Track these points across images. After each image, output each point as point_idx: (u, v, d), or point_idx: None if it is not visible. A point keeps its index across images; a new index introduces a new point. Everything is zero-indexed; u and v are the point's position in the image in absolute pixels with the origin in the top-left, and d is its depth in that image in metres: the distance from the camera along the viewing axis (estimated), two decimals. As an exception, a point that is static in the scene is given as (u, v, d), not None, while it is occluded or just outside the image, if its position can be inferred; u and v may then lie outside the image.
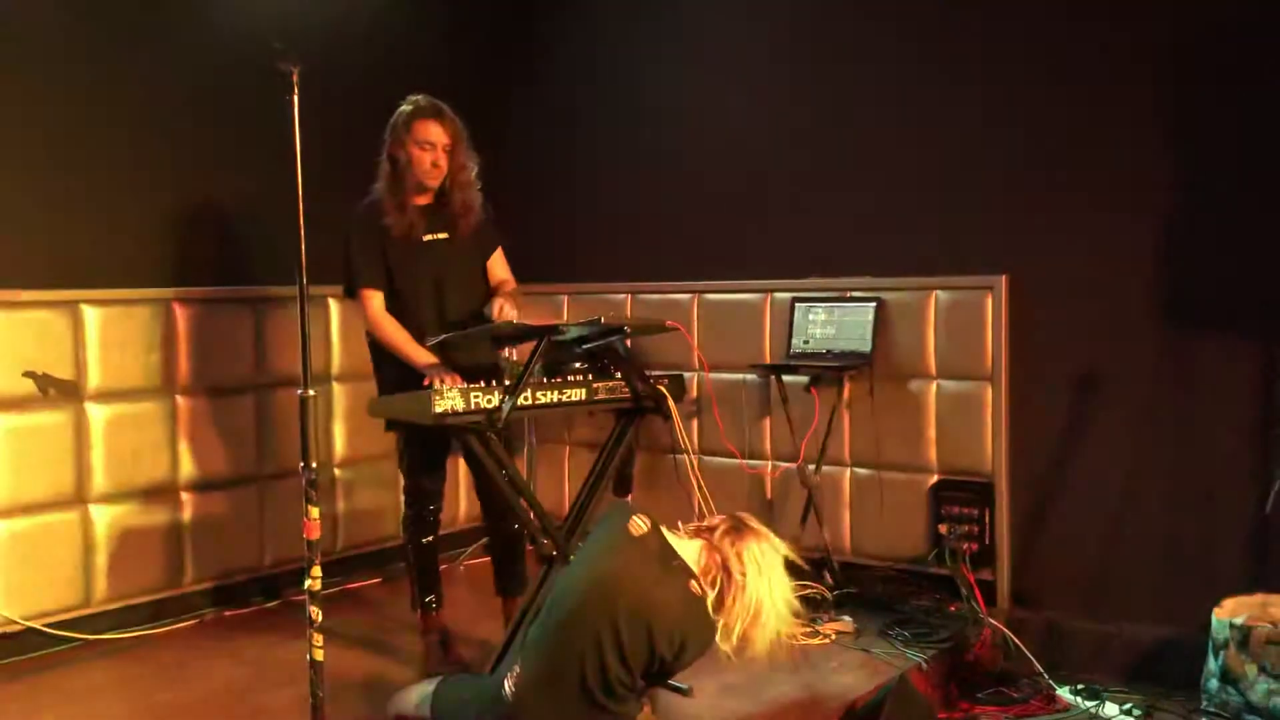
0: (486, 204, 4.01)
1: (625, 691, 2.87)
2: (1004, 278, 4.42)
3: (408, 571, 4.12)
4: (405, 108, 3.85)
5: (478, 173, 3.94)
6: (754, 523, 3.04)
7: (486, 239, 4.02)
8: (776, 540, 3.02)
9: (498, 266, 4.05)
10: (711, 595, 2.89)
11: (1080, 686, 4.00)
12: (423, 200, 3.91)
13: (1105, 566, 4.27)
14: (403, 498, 4.17)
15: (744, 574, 2.90)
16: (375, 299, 3.87)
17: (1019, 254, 4.42)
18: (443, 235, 3.92)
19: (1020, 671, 4.09)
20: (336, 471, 5.09)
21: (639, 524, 2.94)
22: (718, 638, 2.91)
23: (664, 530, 3.00)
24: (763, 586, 2.90)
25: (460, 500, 5.45)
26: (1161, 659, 4.06)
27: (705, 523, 3.05)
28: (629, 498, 3.49)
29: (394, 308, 3.88)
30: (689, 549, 2.98)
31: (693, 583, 2.89)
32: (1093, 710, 3.86)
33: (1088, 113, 4.29)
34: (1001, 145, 4.46)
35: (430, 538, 4.07)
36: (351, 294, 3.94)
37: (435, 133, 3.80)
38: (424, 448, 3.98)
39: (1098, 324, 4.29)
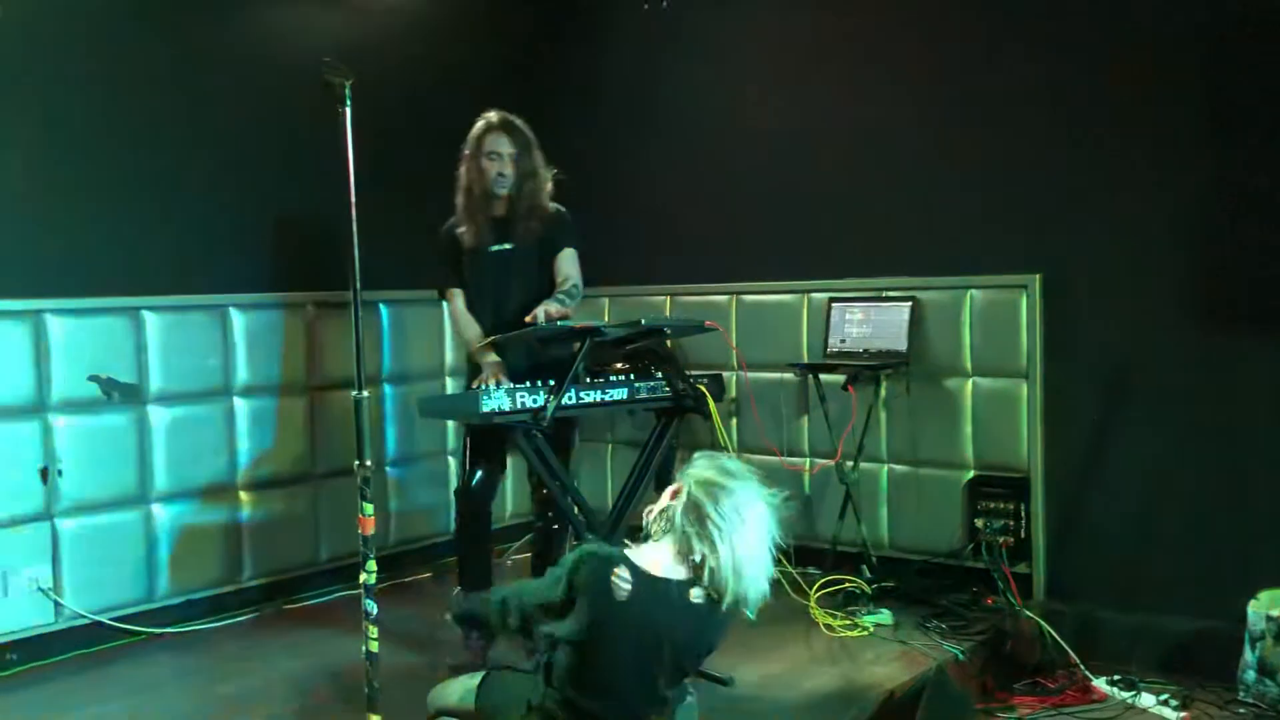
0: (561, 209, 4.15)
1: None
2: (1038, 276, 4.47)
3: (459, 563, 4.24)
4: (478, 123, 4.04)
5: (551, 181, 4.11)
6: (698, 477, 2.80)
7: (551, 243, 4.13)
8: (730, 479, 2.81)
9: (564, 265, 4.14)
10: (704, 582, 2.76)
11: (1116, 677, 4.02)
12: (496, 211, 4.08)
13: (1140, 559, 4.30)
14: (454, 492, 4.31)
15: (713, 546, 2.73)
16: (453, 299, 4.13)
17: (1053, 252, 4.46)
18: (507, 245, 4.09)
19: (1056, 663, 4.13)
20: (389, 470, 5.23)
21: (619, 583, 2.72)
22: (727, 606, 2.78)
23: (637, 558, 2.79)
24: (737, 541, 2.74)
25: (506, 496, 5.56)
26: (1197, 651, 4.09)
27: (660, 506, 2.86)
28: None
29: (470, 310, 4.12)
30: (664, 552, 2.81)
31: (692, 592, 2.78)
32: (1129, 701, 3.90)
33: (1122, 110, 4.31)
34: (1036, 145, 4.50)
35: (479, 529, 4.15)
36: (442, 296, 4.20)
37: (502, 144, 4.00)
38: (481, 444, 4.10)
39: (1132, 320, 4.32)
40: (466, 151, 4.06)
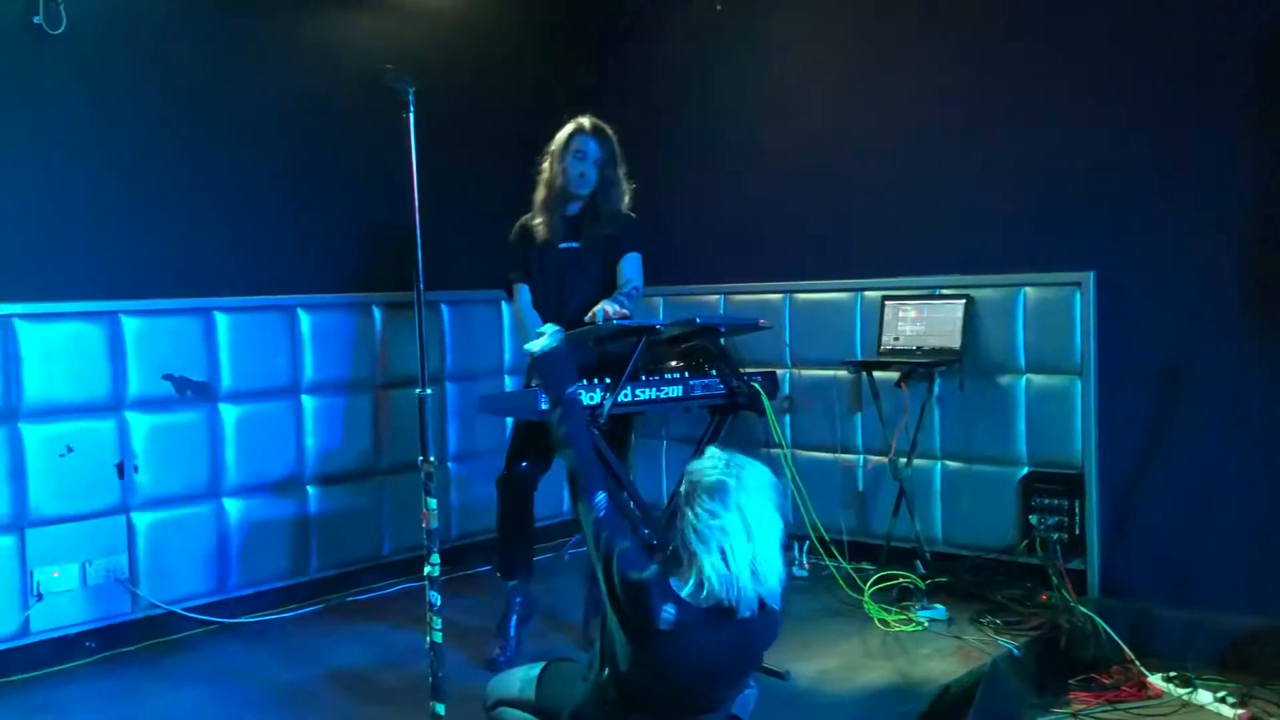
0: (632, 215, 4.25)
1: None
2: (1092, 274, 4.46)
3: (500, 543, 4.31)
4: (569, 125, 4.16)
5: (629, 194, 4.23)
6: (682, 489, 2.71)
7: (618, 245, 4.22)
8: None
9: (627, 268, 4.23)
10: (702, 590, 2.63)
11: (1173, 674, 4.00)
12: (571, 210, 4.20)
13: (1196, 556, 4.28)
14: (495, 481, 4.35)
15: (703, 549, 2.62)
16: (518, 294, 4.21)
17: (1107, 249, 4.45)
18: (575, 244, 4.20)
19: (1111, 659, 4.11)
20: (451, 465, 5.34)
21: (663, 614, 2.62)
22: (746, 609, 2.65)
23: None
24: (729, 543, 2.61)
25: (562, 493, 5.62)
26: (1253, 648, 4.05)
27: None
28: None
29: (534, 308, 4.21)
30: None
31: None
32: (1185, 697, 3.88)
33: (1176, 106, 4.31)
34: (1088, 141, 4.50)
35: (522, 517, 4.23)
36: (508, 290, 4.27)
37: (589, 146, 4.13)
38: (528, 436, 4.19)
39: (1186, 317, 4.31)
40: (553, 149, 4.18)
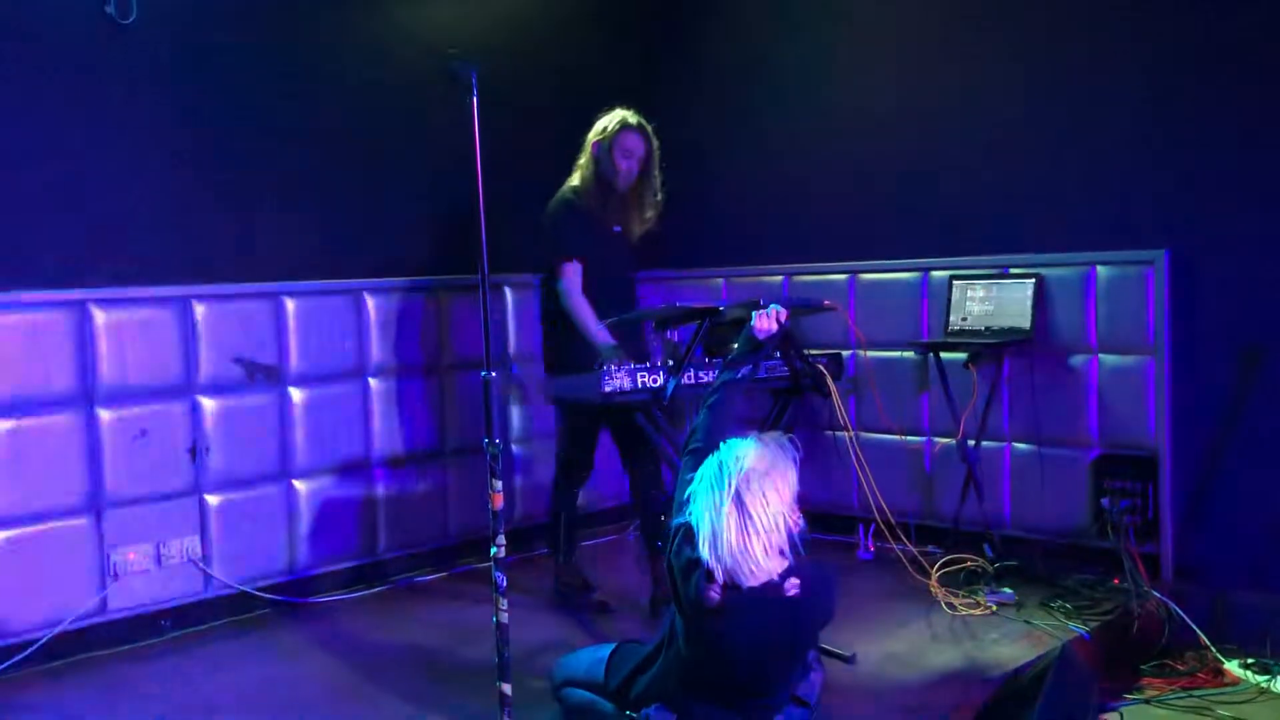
0: (659, 203, 4.46)
1: None
2: (1166, 252, 4.37)
3: (553, 530, 4.56)
4: (612, 119, 4.29)
5: (662, 188, 4.40)
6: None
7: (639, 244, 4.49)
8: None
9: None
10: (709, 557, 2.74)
11: (1250, 661, 3.94)
12: (611, 199, 4.35)
13: (1273, 539, 4.19)
14: (556, 468, 4.56)
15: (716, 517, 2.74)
16: (574, 273, 4.27)
17: (1181, 227, 4.36)
18: (619, 229, 4.41)
19: (1186, 645, 4.07)
20: (514, 448, 5.38)
21: (709, 591, 2.74)
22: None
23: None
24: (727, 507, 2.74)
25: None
26: (1333, 633, 3.97)
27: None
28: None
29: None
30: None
31: (787, 584, 2.76)
32: (1263, 684, 3.81)
33: (1250, 80, 4.20)
34: (1161, 118, 4.40)
35: (577, 502, 4.56)
36: (552, 267, 4.31)
37: (637, 145, 4.28)
38: (582, 427, 4.37)
39: (1265, 296, 4.21)
40: (600, 140, 4.29)
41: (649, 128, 4.33)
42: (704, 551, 2.73)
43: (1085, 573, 4.45)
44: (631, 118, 4.30)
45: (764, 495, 2.72)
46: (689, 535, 2.79)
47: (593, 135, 4.33)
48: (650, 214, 4.44)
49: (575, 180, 4.38)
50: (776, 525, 2.72)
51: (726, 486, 2.73)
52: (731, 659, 2.80)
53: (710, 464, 2.83)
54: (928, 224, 5.06)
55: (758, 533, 2.70)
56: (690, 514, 2.81)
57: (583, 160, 4.36)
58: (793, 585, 2.76)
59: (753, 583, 2.72)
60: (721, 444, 2.87)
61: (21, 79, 3.94)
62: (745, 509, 2.70)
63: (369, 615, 4.51)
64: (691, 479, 2.87)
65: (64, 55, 4.03)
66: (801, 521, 2.81)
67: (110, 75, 4.15)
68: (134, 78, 4.20)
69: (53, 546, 4.01)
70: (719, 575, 2.72)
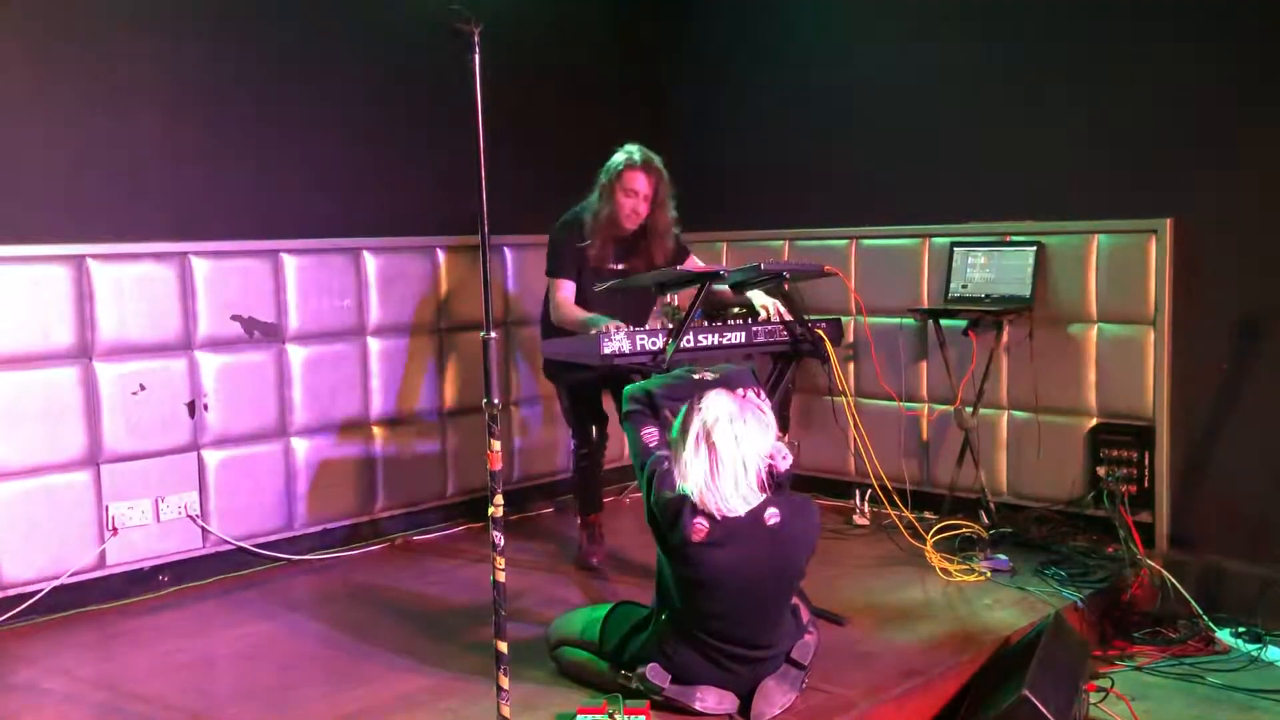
0: (679, 235, 4.37)
1: None
2: (1169, 220, 4.36)
3: (577, 493, 4.62)
4: (619, 156, 4.20)
5: (676, 223, 4.32)
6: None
7: (670, 265, 4.29)
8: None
9: (693, 264, 4.35)
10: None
11: (1241, 629, 3.96)
12: (620, 234, 4.26)
13: (1267, 510, 4.19)
14: (573, 440, 4.57)
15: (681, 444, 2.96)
16: (567, 288, 4.26)
17: (1184, 196, 4.34)
18: (624, 266, 4.29)
19: (1178, 613, 4.08)
20: (513, 409, 5.38)
21: (695, 524, 2.91)
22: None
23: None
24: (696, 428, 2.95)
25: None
26: (1326, 605, 3.98)
27: None
28: (785, 436, 3.55)
29: None
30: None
31: (766, 514, 2.92)
32: (1254, 653, 3.84)
33: (1255, 48, 4.17)
34: (1166, 86, 4.37)
35: (596, 467, 4.58)
36: (554, 281, 4.33)
37: (640, 182, 4.16)
38: (586, 401, 4.41)
39: (1264, 266, 4.19)
40: (605, 180, 4.21)
41: (656, 162, 4.20)
42: (687, 488, 2.89)
43: (1080, 540, 4.47)
44: (637, 155, 4.19)
45: (734, 436, 2.90)
46: (664, 478, 2.97)
47: (601, 172, 4.25)
48: (670, 245, 4.32)
49: (585, 207, 4.30)
50: (747, 463, 2.90)
51: (700, 428, 2.92)
52: (722, 596, 2.91)
53: (683, 411, 3.01)
54: (929, 190, 5.04)
55: (730, 469, 2.88)
56: (665, 458, 3.01)
57: (594, 195, 4.27)
58: (772, 515, 2.92)
59: (732, 514, 2.88)
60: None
61: (12, 35, 3.92)
62: (715, 450, 2.88)
63: (366, 573, 4.52)
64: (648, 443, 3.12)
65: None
66: (787, 458, 3.01)
67: (108, 29, 4.11)
68: (132, 32, 4.17)
69: (51, 500, 4.03)
70: (704, 507, 2.88)
